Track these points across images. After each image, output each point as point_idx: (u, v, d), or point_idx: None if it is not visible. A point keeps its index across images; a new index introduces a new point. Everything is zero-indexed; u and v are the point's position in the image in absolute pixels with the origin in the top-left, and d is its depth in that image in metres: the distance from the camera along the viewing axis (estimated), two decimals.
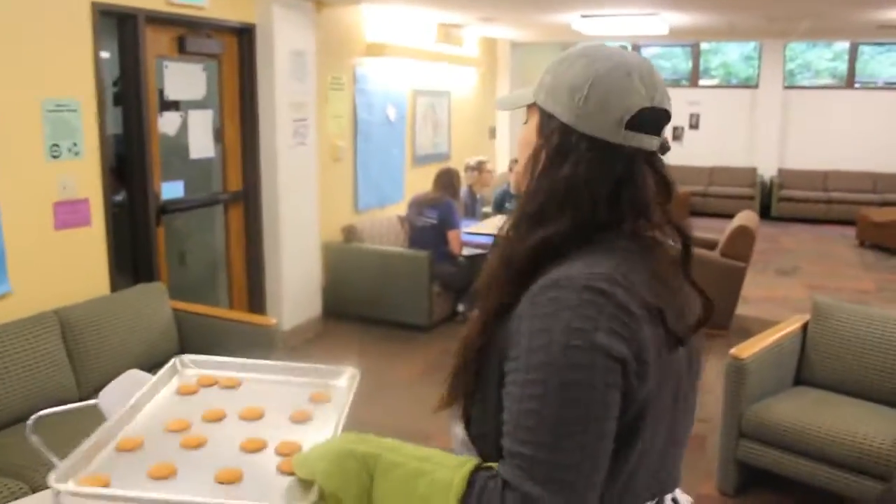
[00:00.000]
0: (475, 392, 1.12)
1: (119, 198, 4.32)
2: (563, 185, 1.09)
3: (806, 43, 12.67)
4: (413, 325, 5.85)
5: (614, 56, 1.12)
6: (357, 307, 6.00)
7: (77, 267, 3.88)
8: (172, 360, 1.71)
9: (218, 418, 1.51)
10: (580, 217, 1.09)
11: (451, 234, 5.89)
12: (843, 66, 12.70)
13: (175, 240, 5.12)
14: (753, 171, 12.13)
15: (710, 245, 6.38)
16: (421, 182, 7.53)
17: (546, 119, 1.14)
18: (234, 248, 5.36)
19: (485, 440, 1.10)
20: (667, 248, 1.14)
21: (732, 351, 3.54)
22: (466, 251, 6.23)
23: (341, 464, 1.11)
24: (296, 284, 5.63)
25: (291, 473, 1.22)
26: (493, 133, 9.64)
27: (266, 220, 5.39)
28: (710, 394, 4.90)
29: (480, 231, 6.03)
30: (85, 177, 3.88)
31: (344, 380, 1.68)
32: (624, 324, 1.00)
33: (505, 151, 9.78)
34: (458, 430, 1.17)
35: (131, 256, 4.40)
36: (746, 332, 6.07)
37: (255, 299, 5.48)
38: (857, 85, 12.37)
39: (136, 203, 4.36)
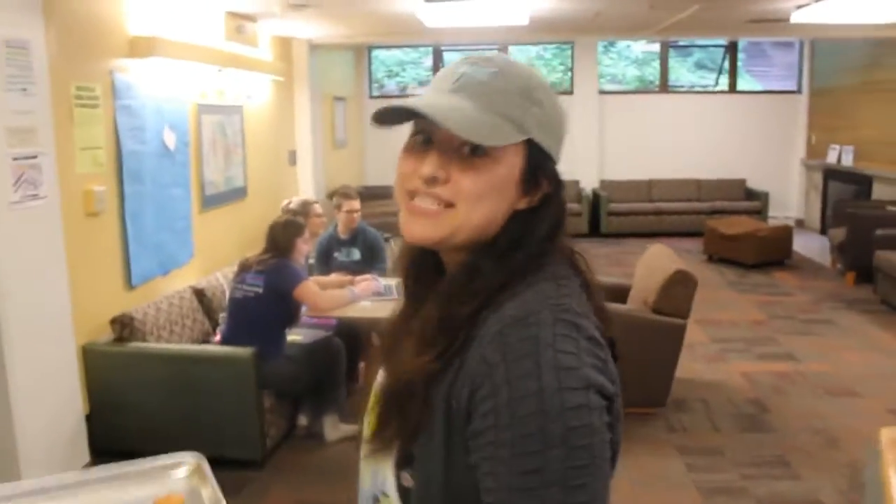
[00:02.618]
0: (418, 434, 0.92)
1: None
2: (547, 227, 0.99)
3: (603, 47, 11.86)
4: (238, 462, 3.80)
5: None
6: (146, 441, 3.86)
7: None
8: None
9: None
10: (538, 251, 0.98)
11: (300, 291, 3.97)
12: (649, 71, 12.06)
13: None
14: (576, 184, 11.03)
15: (617, 294, 4.92)
16: (213, 232, 5.49)
17: (538, 158, 0.98)
18: None
19: (427, 492, 0.91)
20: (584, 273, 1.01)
21: None
22: (304, 334, 4.32)
23: None
24: (39, 420, 3.46)
25: None
26: (293, 159, 7.69)
27: None
28: None
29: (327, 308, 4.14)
30: None
31: (185, 470, 1.35)
32: (599, 357, 0.87)
33: (308, 181, 7.86)
34: (384, 481, 0.98)
35: None
36: (687, 407, 4.68)
37: None
38: (670, 89, 11.71)
39: None
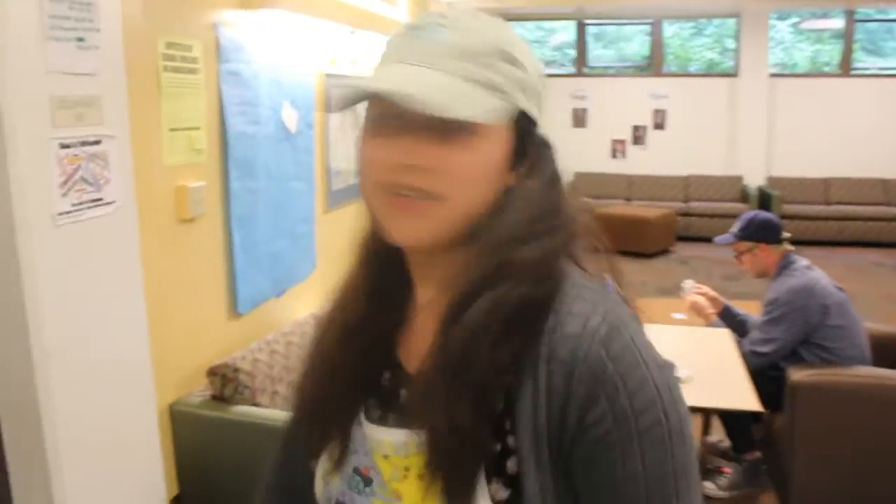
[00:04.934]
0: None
1: None
2: (536, 199, 0.80)
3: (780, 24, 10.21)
4: None
5: None
6: None
7: None
8: None
9: None
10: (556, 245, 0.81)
11: None
12: (827, 49, 10.34)
13: None
14: (739, 180, 9.55)
15: (878, 345, 3.54)
16: (339, 237, 4.31)
17: (526, 126, 0.81)
18: None
19: None
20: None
21: None
22: None
23: None
24: None
25: None
26: None
27: (15, 387, 2.13)
28: None
29: None
30: None
31: None
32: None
33: None
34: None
35: None
36: None
37: None
38: (853, 72, 9.94)
39: None
